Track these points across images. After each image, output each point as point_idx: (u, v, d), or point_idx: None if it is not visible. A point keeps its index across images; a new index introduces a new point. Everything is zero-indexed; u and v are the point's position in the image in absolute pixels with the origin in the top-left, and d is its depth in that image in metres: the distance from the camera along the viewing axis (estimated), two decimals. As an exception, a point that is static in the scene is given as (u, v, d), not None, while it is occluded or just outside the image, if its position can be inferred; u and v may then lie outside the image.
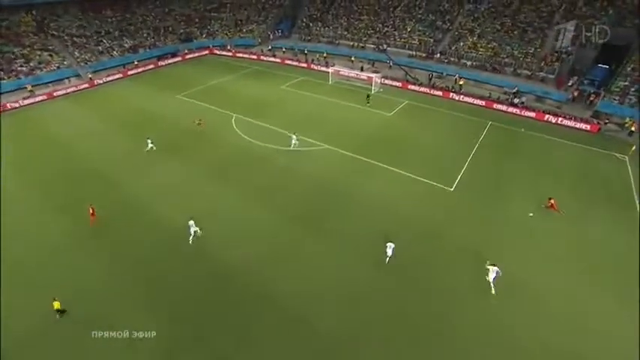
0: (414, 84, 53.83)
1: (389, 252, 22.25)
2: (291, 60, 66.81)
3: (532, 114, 44.43)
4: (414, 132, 40.41)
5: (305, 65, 64.50)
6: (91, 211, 26.20)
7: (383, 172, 32.29)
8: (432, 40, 61.66)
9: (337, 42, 70.59)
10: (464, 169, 32.78)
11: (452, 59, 57.96)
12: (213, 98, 50.71)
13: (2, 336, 19.33)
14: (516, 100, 46.74)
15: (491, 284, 20.56)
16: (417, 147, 36.94)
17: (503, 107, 46.41)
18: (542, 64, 51.03)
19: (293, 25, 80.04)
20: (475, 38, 58.20)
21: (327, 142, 37.41)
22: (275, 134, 39.37)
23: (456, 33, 60.61)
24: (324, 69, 61.47)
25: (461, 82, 52.36)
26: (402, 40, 63.89)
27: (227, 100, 49.72)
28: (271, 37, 77.63)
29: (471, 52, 56.81)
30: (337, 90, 53.60)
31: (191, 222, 24.41)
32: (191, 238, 24.46)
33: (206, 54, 74.46)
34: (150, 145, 35.85)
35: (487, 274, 20.59)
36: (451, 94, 50.37)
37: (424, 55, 60.59)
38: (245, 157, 35.08)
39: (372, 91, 51.68)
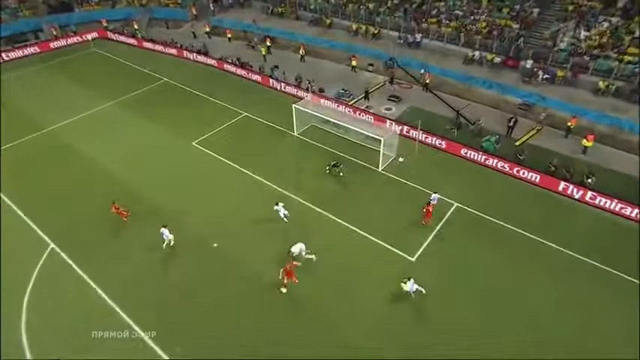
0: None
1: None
2: (238, 63, 36.69)
3: None
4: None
5: (257, 78, 34.77)
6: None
7: None
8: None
9: (328, 20, 40.51)
10: None
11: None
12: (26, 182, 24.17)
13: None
14: None
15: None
16: None
17: None
18: None
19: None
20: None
21: None
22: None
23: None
24: (292, 91, 32.30)
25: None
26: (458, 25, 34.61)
27: (48, 196, 23.35)
28: (212, 7, 46.64)
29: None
30: (309, 155, 25.99)
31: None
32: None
33: (91, 40, 43.46)
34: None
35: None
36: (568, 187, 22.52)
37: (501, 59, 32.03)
38: None
39: (385, 159, 24.83)
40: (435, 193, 20.97)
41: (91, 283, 18.14)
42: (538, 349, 15.41)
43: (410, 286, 16.71)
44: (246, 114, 30.22)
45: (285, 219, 20.55)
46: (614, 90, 27.94)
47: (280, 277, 17.29)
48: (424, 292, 17.01)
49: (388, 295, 17.40)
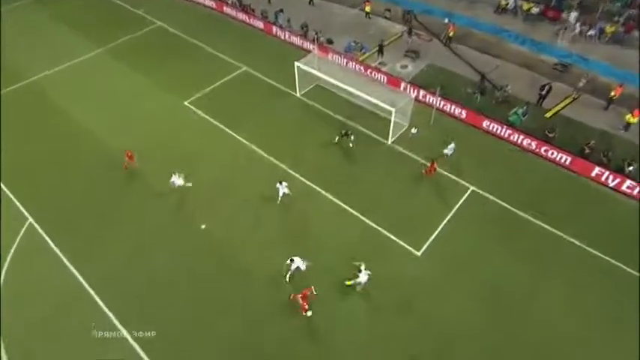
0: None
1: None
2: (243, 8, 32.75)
3: None
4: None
5: (260, 25, 31.03)
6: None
7: None
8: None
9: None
10: None
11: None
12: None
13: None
14: None
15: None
16: None
17: None
18: None
19: None
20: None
21: None
22: None
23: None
24: (297, 42, 28.77)
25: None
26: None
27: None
28: None
29: None
30: (312, 122, 23.35)
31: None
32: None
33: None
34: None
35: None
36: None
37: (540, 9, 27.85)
38: None
39: (396, 129, 22.13)
40: (452, 142, 19.89)
41: (69, 265, 16.82)
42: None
43: (362, 277, 14.97)
44: (245, 68, 27.17)
45: (279, 199, 18.51)
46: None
47: (298, 302, 14.92)
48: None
49: (393, 303, 15.66)
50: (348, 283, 15.71)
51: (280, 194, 18.43)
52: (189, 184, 19.22)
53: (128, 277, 16.46)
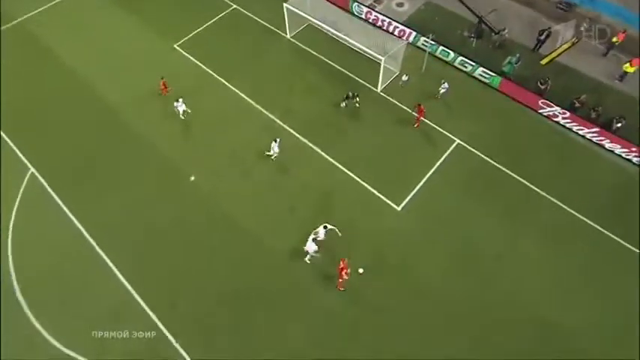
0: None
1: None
2: None
3: None
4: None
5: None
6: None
7: None
8: None
9: None
10: None
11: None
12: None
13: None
14: None
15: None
16: None
17: None
18: None
19: None
20: None
21: None
22: None
23: None
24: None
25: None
26: None
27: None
28: None
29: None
30: (302, 68, 23.10)
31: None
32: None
33: None
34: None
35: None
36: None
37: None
38: None
39: (386, 76, 21.98)
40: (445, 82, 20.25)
41: (71, 216, 18.03)
42: (509, 314, 15.17)
43: (321, 231, 15.58)
44: (235, 6, 25.98)
45: (272, 156, 19.11)
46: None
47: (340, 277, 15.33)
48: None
49: (370, 249, 16.84)
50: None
51: (272, 152, 18.88)
52: (189, 111, 20.40)
53: (125, 227, 17.69)
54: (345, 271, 14.91)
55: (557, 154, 19.38)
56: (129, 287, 16.11)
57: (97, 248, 17.08)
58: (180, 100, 20.18)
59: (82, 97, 21.99)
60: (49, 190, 18.79)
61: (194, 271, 16.55)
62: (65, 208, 18.21)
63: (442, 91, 20.58)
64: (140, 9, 26.15)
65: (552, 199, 17.89)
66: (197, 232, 17.48)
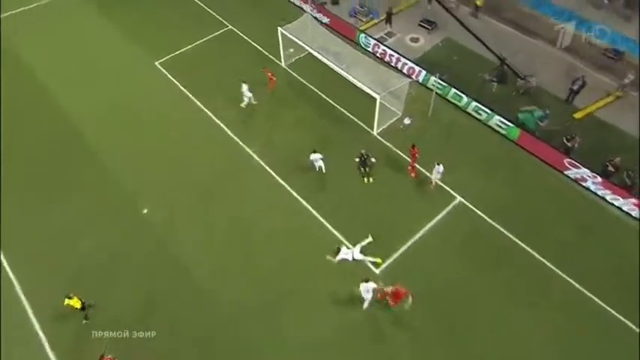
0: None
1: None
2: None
3: None
4: None
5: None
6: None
7: None
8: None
9: None
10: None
11: None
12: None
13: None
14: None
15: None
16: None
17: None
18: None
19: None
20: None
21: None
22: None
23: None
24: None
25: None
26: None
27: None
28: None
29: None
30: (294, 99, 20.69)
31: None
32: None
33: None
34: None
35: None
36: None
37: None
38: None
39: (386, 118, 19.13)
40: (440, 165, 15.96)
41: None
42: None
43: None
44: (230, 27, 24.18)
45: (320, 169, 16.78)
46: None
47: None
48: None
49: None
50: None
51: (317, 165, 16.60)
52: None
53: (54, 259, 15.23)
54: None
55: (581, 224, 15.58)
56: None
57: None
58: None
59: (37, 104, 20.23)
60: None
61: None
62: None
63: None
64: (129, 20, 24.69)
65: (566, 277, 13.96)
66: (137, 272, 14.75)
